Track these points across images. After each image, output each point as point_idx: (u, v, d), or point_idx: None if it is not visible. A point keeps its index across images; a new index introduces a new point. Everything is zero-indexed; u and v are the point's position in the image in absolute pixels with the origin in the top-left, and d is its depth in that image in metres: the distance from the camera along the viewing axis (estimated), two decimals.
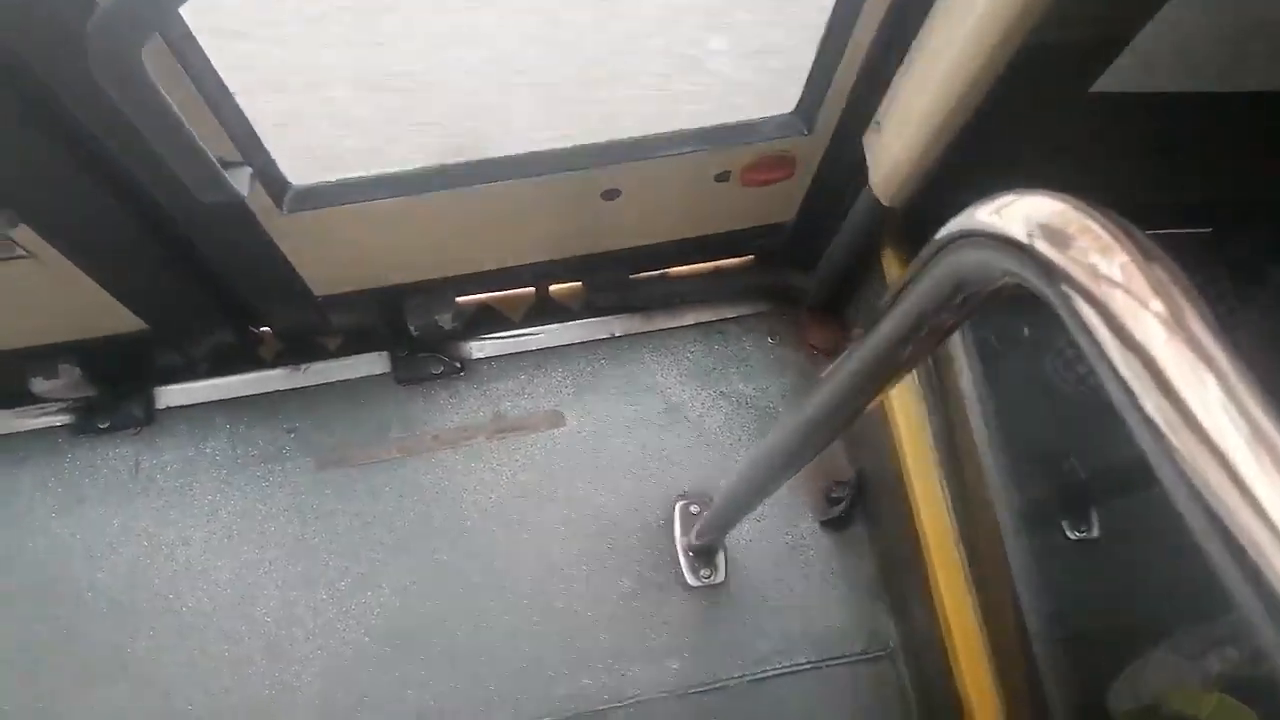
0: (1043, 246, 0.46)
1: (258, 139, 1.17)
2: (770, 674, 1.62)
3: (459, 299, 1.70)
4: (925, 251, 0.59)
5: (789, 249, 1.72)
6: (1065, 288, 0.45)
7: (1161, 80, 1.21)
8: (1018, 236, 0.48)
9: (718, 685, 1.61)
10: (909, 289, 0.62)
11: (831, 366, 0.81)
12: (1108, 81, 1.17)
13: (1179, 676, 1.29)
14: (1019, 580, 1.44)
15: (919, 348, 0.68)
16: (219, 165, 1.03)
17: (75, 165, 1.11)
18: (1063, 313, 0.46)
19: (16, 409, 1.71)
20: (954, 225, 0.55)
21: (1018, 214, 0.49)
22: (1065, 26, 0.99)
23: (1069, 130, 1.31)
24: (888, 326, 0.68)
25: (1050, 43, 1.00)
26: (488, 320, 1.84)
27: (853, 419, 0.86)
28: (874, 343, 0.71)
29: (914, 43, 1.16)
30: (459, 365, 1.78)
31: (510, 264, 1.63)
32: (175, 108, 0.90)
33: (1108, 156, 1.38)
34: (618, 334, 1.84)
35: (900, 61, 1.21)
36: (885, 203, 1.33)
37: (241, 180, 1.11)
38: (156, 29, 0.82)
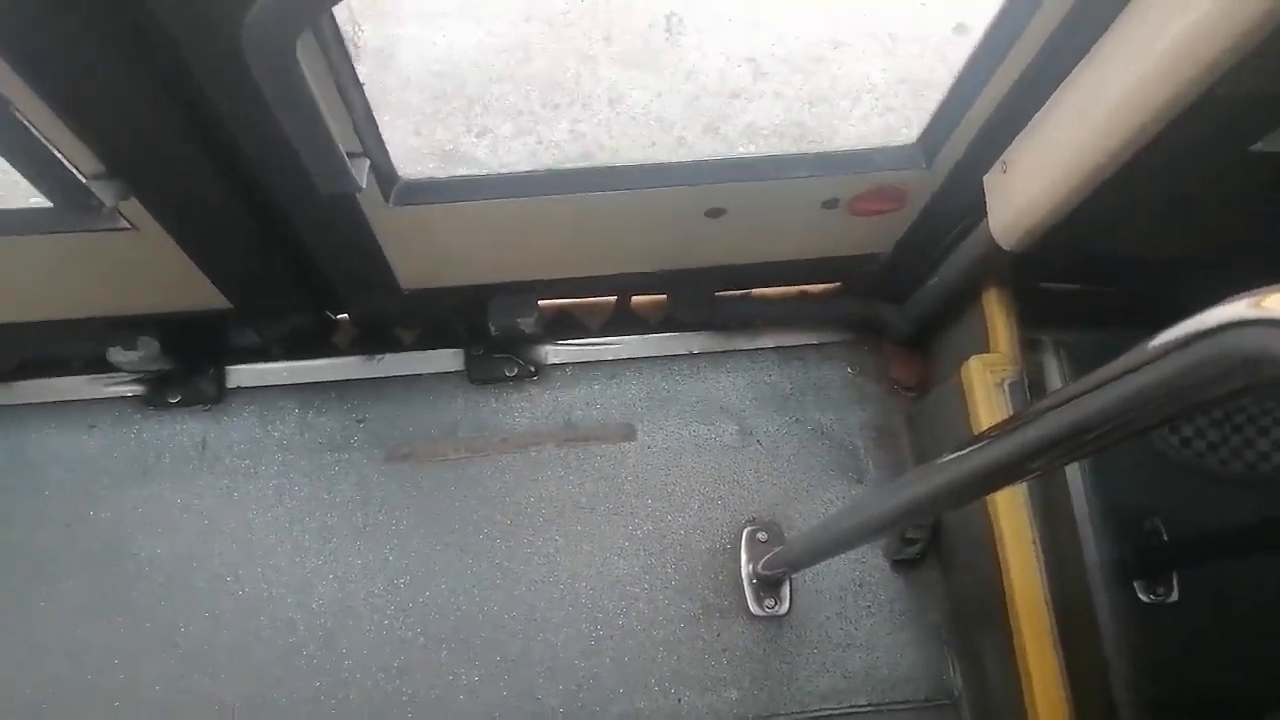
0: None
1: (378, 131, 1.14)
2: (829, 713, 1.58)
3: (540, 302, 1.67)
4: (1169, 338, 0.55)
5: (880, 280, 1.68)
6: None
7: None
8: None
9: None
10: (1133, 375, 0.58)
11: (988, 441, 0.76)
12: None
13: None
14: (1107, 643, 1.39)
15: (1110, 436, 0.63)
16: (346, 158, 1.00)
17: (195, 146, 1.09)
18: None
19: (90, 375, 1.69)
20: (1224, 314, 0.51)
21: None
22: (1257, 77, 0.93)
23: (1210, 183, 1.26)
24: (1085, 407, 0.63)
25: (1234, 94, 0.94)
26: (564, 326, 1.80)
27: (993, 490, 0.81)
28: (1058, 421, 0.66)
29: (1063, 84, 1.11)
30: (533, 369, 1.75)
31: (598, 272, 1.60)
32: (319, 100, 0.87)
33: (1235, 209, 1.33)
34: (695, 351, 1.80)
35: (1040, 103, 1.17)
36: (1005, 247, 1.28)
37: (361, 172, 1.09)
38: (313, 22, 0.79)
